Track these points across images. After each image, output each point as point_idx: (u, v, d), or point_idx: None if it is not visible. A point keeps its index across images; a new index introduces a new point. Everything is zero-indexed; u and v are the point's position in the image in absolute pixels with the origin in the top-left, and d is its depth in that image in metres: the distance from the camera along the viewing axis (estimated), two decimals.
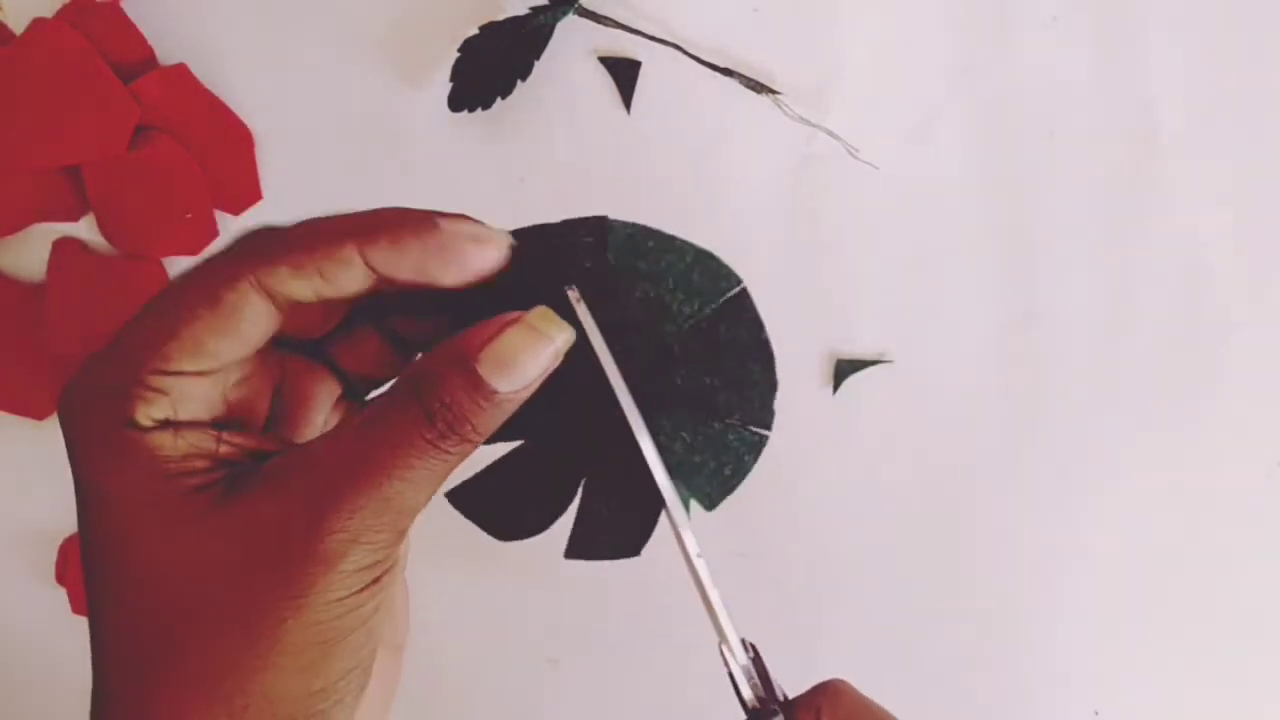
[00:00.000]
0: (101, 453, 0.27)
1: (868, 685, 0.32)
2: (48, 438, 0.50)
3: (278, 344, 0.30)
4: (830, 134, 0.47)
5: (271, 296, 0.28)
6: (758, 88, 0.47)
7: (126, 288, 0.48)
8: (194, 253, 0.48)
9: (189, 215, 0.48)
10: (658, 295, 0.30)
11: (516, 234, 0.29)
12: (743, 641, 0.31)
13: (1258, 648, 0.50)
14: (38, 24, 0.45)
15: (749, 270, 0.48)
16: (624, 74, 0.48)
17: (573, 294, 0.29)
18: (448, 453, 0.27)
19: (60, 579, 0.50)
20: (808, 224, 0.48)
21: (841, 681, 0.32)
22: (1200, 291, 0.48)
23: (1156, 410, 0.49)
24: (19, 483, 0.50)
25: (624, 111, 0.48)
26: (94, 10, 0.46)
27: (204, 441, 0.27)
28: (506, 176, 0.48)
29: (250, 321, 0.28)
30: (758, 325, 0.31)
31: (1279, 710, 0.50)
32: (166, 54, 0.48)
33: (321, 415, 0.32)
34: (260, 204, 0.49)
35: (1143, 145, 0.48)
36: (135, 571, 0.27)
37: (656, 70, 0.48)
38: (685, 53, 0.47)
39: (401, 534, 0.27)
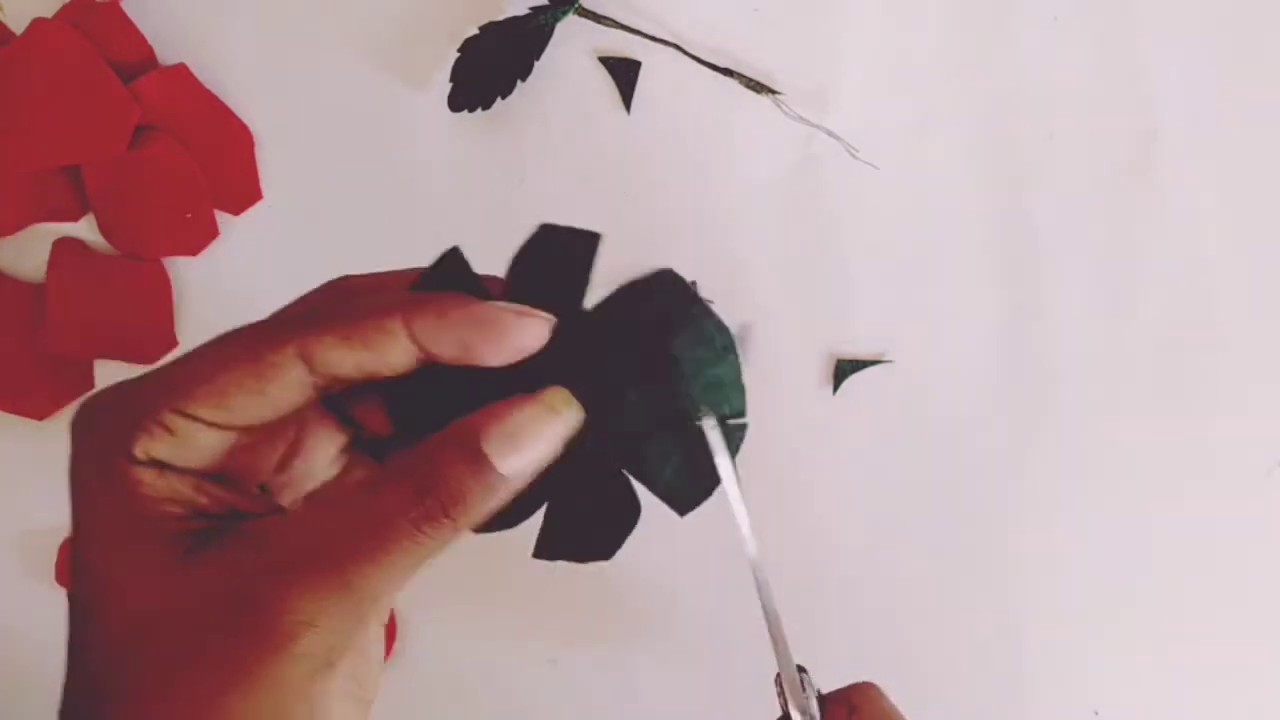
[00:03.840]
0: (92, 476, 0.27)
1: None
2: (48, 438, 0.50)
3: None
4: (830, 134, 0.47)
5: (313, 367, 0.27)
6: (758, 88, 0.47)
7: (126, 288, 0.48)
8: (194, 253, 0.48)
9: (189, 215, 0.48)
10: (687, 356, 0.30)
11: (610, 300, 0.30)
12: (798, 668, 0.31)
13: (1258, 647, 0.50)
14: (38, 24, 0.45)
15: (749, 270, 0.49)
16: (624, 74, 0.48)
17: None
18: (428, 537, 0.26)
19: (60, 579, 0.50)
20: (808, 224, 0.48)
21: (873, 685, 0.32)
22: (1200, 291, 0.48)
23: (1156, 410, 0.49)
24: (19, 483, 0.50)
25: (624, 111, 0.48)
26: (94, 10, 0.46)
27: (184, 488, 0.27)
28: (506, 176, 0.48)
29: (283, 386, 0.27)
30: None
31: (1279, 710, 0.50)
32: (166, 54, 0.48)
33: (324, 463, 0.31)
34: (260, 204, 0.49)
35: (1143, 145, 0.48)
36: (103, 602, 0.26)
37: (656, 70, 0.48)
38: (685, 53, 0.47)
39: (363, 620, 0.26)
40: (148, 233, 0.48)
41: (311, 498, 0.28)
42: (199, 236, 0.48)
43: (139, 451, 0.27)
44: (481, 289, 0.30)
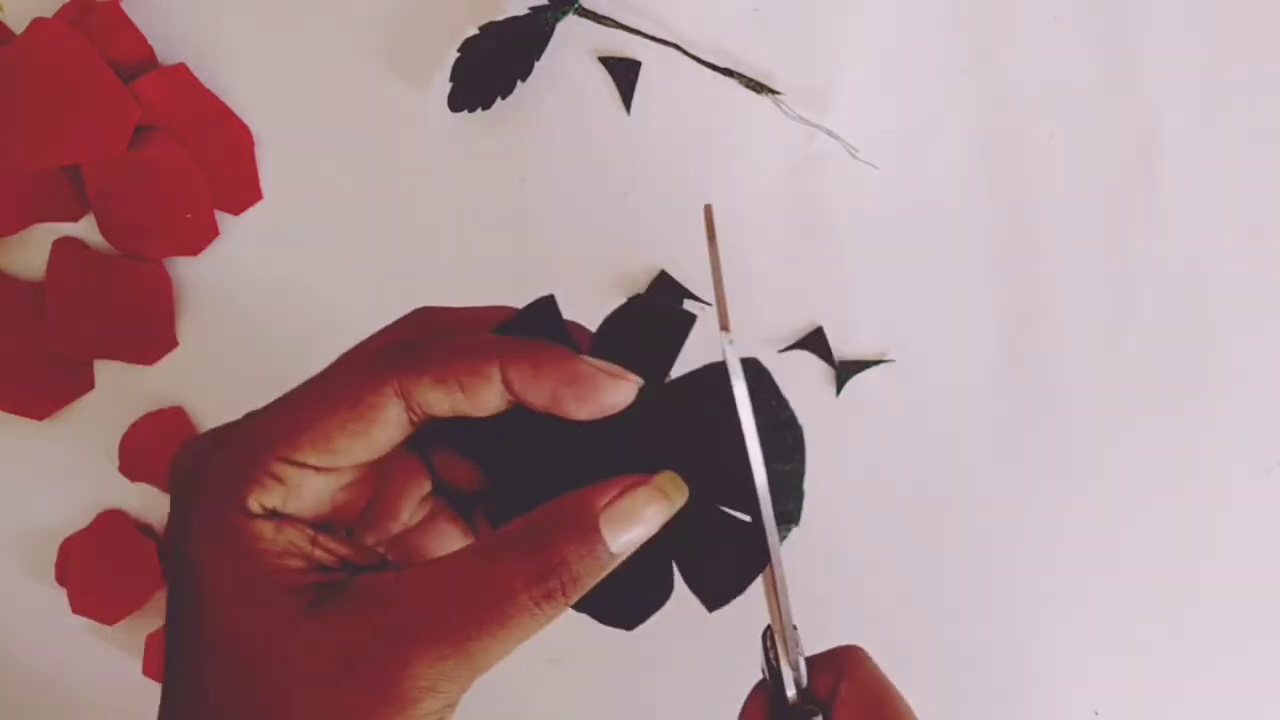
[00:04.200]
0: (208, 532, 0.28)
1: None
2: (48, 438, 0.50)
3: None
4: (830, 134, 0.47)
5: (410, 406, 0.28)
6: (758, 88, 0.47)
7: (126, 288, 0.48)
8: (194, 253, 0.48)
9: (189, 215, 0.48)
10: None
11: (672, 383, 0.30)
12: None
13: (1258, 647, 0.50)
14: (38, 24, 0.45)
15: (749, 271, 0.49)
16: (624, 74, 0.48)
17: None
18: (544, 613, 0.27)
19: (60, 579, 0.50)
20: (808, 224, 0.48)
21: (861, 649, 0.32)
22: (1200, 291, 0.48)
23: (1156, 410, 0.49)
24: (19, 483, 0.50)
25: (624, 111, 0.48)
26: (94, 10, 0.46)
27: (301, 541, 0.28)
28: (506, 176, 0.48)
29: (383, 427, 0.28)
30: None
31: (1279, 710, 0.50)
32: (166, 54, 0.48)
33: (408, 509, 0.32)
34: (260, 204, 0.49)
35: (1143, 145, 0.48)
36: (221, 655, 0.27)
37: (656, 70, 0.48)
38: (685, 53, 0.47)
39: (472, 682, 0.28)
40: (148, 233, 0.48)
41: (431, 562, 0.28)
42: (199, 236, 0.48)
43: (253, 504, 0.27)
44: (569, 339, 0.30)
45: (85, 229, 0.49)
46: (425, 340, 0.30)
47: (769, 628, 0.31)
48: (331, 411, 0.28)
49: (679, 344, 0.30)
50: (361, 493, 0.31)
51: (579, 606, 0.30)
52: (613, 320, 0.30)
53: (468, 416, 0.29)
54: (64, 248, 0.48)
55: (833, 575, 0.50)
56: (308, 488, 0.28)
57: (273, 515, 0.28)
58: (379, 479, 0.31)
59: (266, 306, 0.49)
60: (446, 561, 0.28)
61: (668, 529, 0.29)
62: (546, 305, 0.31)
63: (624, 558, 0.28)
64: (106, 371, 0.49)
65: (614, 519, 0.28)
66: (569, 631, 0.50)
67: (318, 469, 0.28)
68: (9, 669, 0.52)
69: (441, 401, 0.28)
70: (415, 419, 0.29)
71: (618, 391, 0.29)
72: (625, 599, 0.30)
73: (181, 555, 0.28)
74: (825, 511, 0.50)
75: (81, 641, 0.51)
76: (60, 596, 0.50)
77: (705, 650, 0.49)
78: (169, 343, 0.49)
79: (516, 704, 0.51)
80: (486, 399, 0.29)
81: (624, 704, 0.51)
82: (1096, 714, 0.50)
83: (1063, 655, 0.50)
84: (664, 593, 0.31)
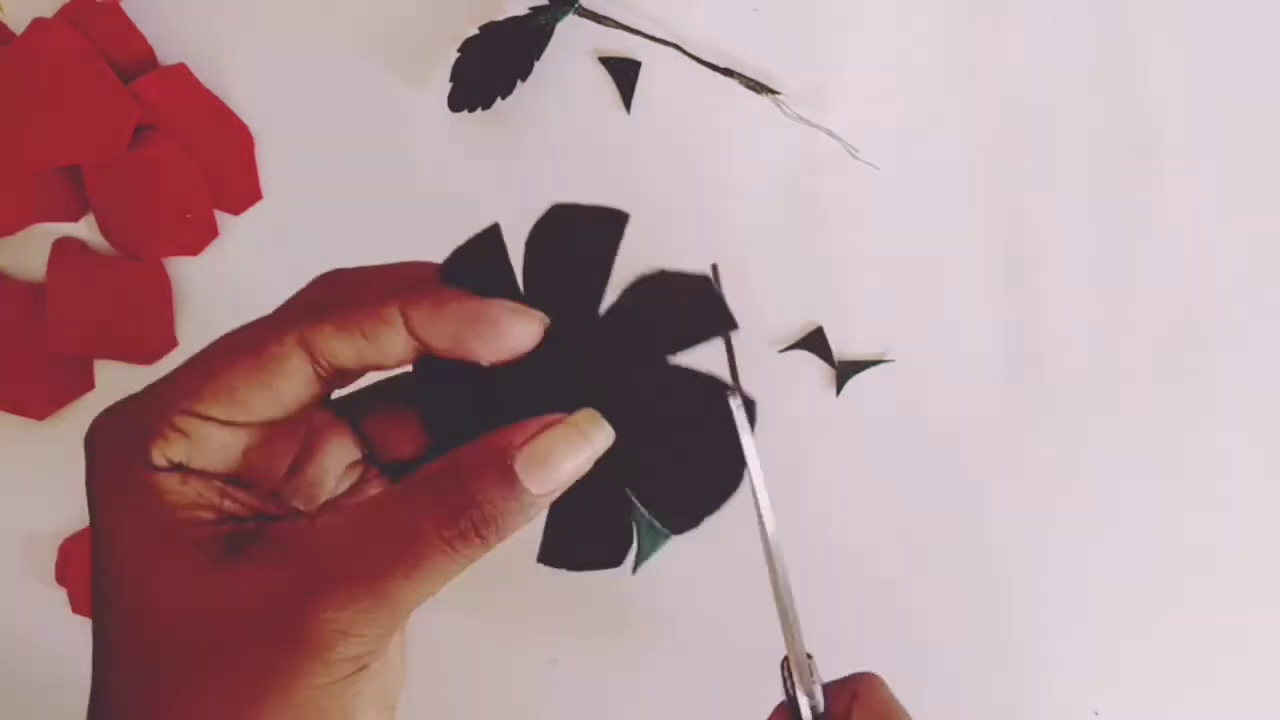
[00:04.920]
0: (115, 488, 0.27)
1: None
2: (48, 438, 0.50)
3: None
4: (830, 134, 0.47)
5: (314, 357, 0.28)
6: (758, 88, 0.47)
7: (126, 288, 0.48)
8: (194, 253, 0.48)
9: (189, 215, 0.48)
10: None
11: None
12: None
13: (1258, 648, 0.50)
14: (38, 24, 0.45)
15: (749, 270, 0.49)
16: (624, 74, 0.48)
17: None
18: (460, 554, 0.27)
19: (60, 579, 0.50)
20: (808, 225, 0.48)
21: (875, 676, 0.32)
22: (1200, 291, 0.48)
23: (1156, 410, 0.49)
24: (19, 483, 0.50)
25: (624, 111, 0.48)
26: (94, 10, 0.46)
27: (208, 493, 0.27)
28: (506, 176, 0.48)
29: (287, 378, 0.28)
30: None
31: (1279, 711, 0.50)
32: (166, 54, 0.48)
33: (334, 476, 0.32)
34: (260, 204, 0.49)
35: (1143, 145, 0.48)
36: (136, 609, 0.27)
37: (656, 70, 0.48)
38: (685, 53, 0.47)
39: (395, 627, 0.27)
40: (148, 233, 0.48)
41: (343, 507, 0.28)
42: (199, 236, 0.48)
43: (157, 457, 0.27)
44: (510, 275, 0.29)
45: (85, 229, 0.49)
46: (330, 293, 0.29)
47: (786, 657, 0.31)
48: (233, 362, 0.27)
49: (614, 247, 0.29)
50: (279, 453, 0.30)
51: (554, 562, 0.30)
52: (539, 231, 0.29)
53: (377, 367, 0.28)
54: (64, 248, 0.48)
55: (831, 575, 0.50)
56: (214, 442, 0.27)
57: (179, 468, 0.27)
58: (302, 443, 0.30)
59: (266, 306, 0.49)
60: (357, 504, 0.27)
61: (611, 471, 0.28)
62: (489, 236, 0.29)
63: (549, 500, 0.27)
64: (106, 371, 0.49)
65: (529, 459, 0.27)
66: (569, 631, 0.50)
67: (222, 422, 0.27)
68: (9, 669, 0.52)
69: (345, 349, 0.28)
70: (323, 373, 0.28)
71: (520, 331, 0.28)
72: (579, 545, 0.30)
73: (94, 514, 0.27)
74: (824, 511, 0.50)
75: (81, 641, 0.51)
76: (60, 596, 0.50)
77: (704, 649, 0.49)
78: (169, 343, 0.49)
79: (516, 704, 0.51)
80: (391, 345, 0.28)
81: (624, 704, 0.51)
82: (1096, 714, 0.50)
83: (1063, 655, 0.50)
84: (619, 552, 0.30)
